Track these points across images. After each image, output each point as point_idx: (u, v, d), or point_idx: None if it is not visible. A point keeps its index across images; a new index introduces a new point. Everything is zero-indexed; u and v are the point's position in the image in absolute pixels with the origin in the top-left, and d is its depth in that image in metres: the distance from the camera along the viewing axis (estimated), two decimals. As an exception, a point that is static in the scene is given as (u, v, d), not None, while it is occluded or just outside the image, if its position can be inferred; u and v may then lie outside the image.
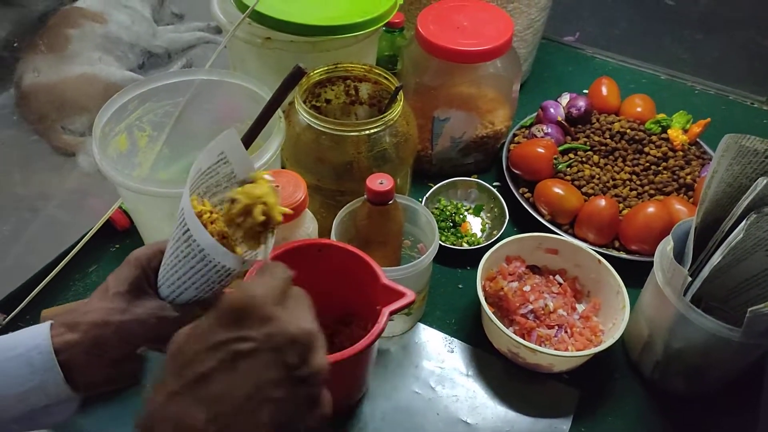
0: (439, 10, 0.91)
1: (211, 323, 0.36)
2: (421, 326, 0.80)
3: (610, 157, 0.94)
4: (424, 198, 0.91)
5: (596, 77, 1.06)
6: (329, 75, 0.80)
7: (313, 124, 0.73)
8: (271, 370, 0.35)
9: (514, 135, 1.00)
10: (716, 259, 0.64)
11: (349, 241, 0.70)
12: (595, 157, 0.94)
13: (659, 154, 0.93)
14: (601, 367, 0.75)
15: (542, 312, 0.75)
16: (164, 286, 0.47)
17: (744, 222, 0.62)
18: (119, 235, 0.87)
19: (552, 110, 0.98)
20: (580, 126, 0.98)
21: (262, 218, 0.44)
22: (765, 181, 0.61)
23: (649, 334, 0.71)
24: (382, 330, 0.58)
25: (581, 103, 0.97)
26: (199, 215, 0.45)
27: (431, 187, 0.93)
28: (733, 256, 0.65)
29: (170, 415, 0.34)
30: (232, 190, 0.46)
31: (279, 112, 0.73)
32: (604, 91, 1.02)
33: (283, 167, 0.80)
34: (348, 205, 0.73)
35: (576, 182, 0.90)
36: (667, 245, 0.68)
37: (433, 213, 0.91)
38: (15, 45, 0.94)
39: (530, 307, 0.76)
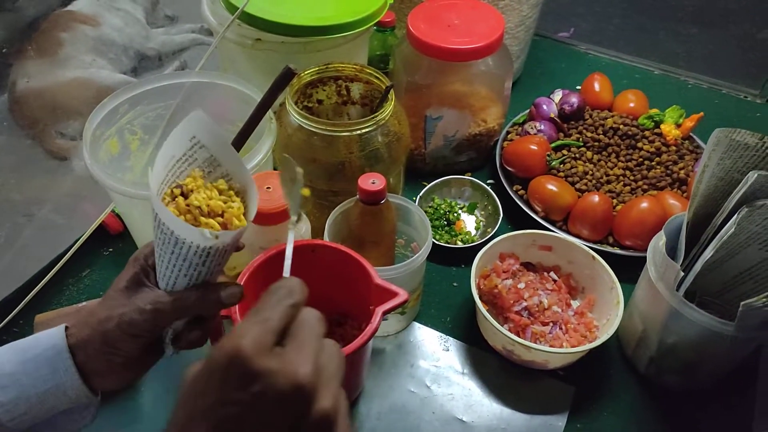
0: (430, 8, 0.91)
1: (205, 376, 0.33)
2: (416, 325, 0.80)
3: (603, 153, 0.94)
4: (418, 197, 0.91)
5: (589, 73, 1.06)
6: (320, 75, 0.80)
7: (304, 125, 0.73)
8: (268, 428, 0.32)
9: (507, 132, 1.00)
10: (708, 253, 0.64)
11: (342, 242, 0.70)
12: (589, 153, 0.94)
13: (652, 150, 0.93)
14: (595, 363, 0.75)
15: (537, 309, 0.75)
16: (161, 280, 0.48)
17: (736, 216, 0.62)
18: (112, 239, 0.87)
19: (545, 107, 0.98)
20: (573, 122, 0.98)
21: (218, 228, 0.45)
22: (756, 175, 0.61)
23: (643, 330, 0.71)
24: (376, 330, 0.58)
25: (574, 100, 0.97)
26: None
27: (425, 185, 0.93)
28: (726, 250, 0.65)
29: None
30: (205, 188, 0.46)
31: (270, 113, 0.73)
32: (597, 87, 1.02)
33: (275, 168, 0.80)
34: (341, 205, 0.73)
35: (569, 179, 0.90)
36: (659, 240, 0.68)
37: (427, 212, 0.91)
38: (4, 51, 0.94)
39: (524, 304, 0.76)
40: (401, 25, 1.02)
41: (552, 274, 0.80)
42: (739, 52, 1.36)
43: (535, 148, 0.91)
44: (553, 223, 0.88)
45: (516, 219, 0.90)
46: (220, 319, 0.59)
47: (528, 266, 0.82)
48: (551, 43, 1.29)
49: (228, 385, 0.32)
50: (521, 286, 0.77)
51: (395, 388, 0.73)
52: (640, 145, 0.94)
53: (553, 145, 0.94)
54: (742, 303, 0.59)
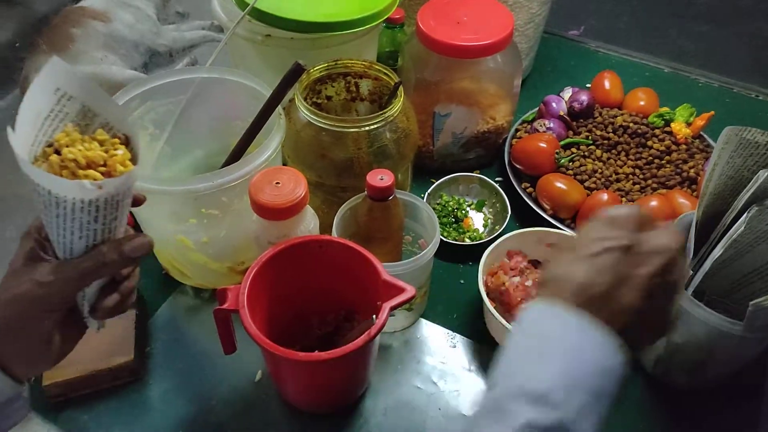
0: (440, 5, 0.91)
1: (601, 223, 0.46)
2: (423, 322, 0.80)
3: (613, 151, 0.94)
4: (426, 194, 0.91)
5: (599, 71, 1.05)
6: (329, 71, 0.80)
7: (313, 121, 0.73)
8: (641, 267, 0.43)
9: (516, 130, 1.00)
10: (718, 252, 0.64)
11: (350, 237, 0.70)
12: (598, 152, 0.93)
13: (662, 148, 0.92)
14: (603, 361, 0.75)
15: (544, 307, 0.75)
16: (57, 249, 0.45)
17: (745, 215, 0.62)
18: (123, 233, 0.87)
19: (554, 105, 0.98)
20: (582, 120, 0.98)
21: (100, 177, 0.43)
22: (766, 174, 0.61)
23: (651, 328, 0.71)
24: (383, 325, 0.58)
25: (583, 98, 0.97)
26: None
27: (433, 182, 0.93)
28: (735, 249, 0.64)
29: (569, 274, 0.44)
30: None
31: (279, 109, 0.73)
32: (607, 85, 1.02)
33: (284, 164, 0.80)
34: (349, 201, 0.73)
35: (578, 177, 0.90)
36: (668, 239, 0.67)
37: (435, 209, 0.91)
38: (17, 45, 0.95)
39: (532, 301, 0.76)
40: (410, 21, 1.02)
41: (560, 272, 0.80)
42: (751, 51, 1.35)
43: (544, 145, 0.91)
44: (561, 221, 0.87)
45: (524, 217, 0.90)
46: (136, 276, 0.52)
47: (536, 264, 0.82)
48: (561, 41, 1.29)
49: (615, 228, 0.45)
50: (528, 283, 0.77)
51: (402, 384, 0.73)
52: (649, 143, 0.93)
53: (562, 143, 0.94)
54: (751, 303, 0.58)
